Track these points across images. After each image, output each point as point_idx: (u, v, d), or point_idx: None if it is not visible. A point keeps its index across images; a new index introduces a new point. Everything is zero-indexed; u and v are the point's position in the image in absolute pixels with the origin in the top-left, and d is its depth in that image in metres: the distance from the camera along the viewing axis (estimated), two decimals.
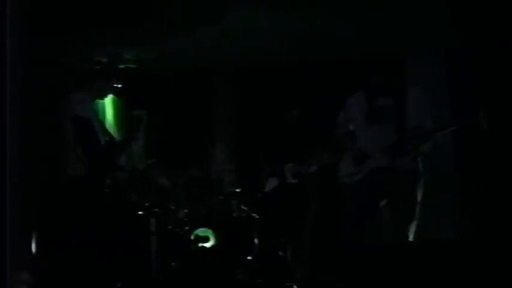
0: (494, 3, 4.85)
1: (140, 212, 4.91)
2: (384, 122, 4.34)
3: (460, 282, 3.05)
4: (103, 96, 4.82)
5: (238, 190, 5.48)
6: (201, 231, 5.14)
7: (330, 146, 4.87)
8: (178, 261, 5.00)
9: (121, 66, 5.91)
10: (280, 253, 5.24)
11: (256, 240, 5.12)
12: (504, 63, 5.45)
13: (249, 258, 5.07)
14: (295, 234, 5.33)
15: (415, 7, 5.09)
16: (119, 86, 4.94)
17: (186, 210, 5.35)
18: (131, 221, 4.75)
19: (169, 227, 5.16)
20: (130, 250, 4.55)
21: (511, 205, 5.38)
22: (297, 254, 5.24)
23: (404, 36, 5.79)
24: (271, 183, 5.46)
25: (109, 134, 4.75)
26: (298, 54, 6.18)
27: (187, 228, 5.16)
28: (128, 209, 4.78)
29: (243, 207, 5.37)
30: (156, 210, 5.06)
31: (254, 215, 5.32)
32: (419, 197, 4.29)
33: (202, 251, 5.08)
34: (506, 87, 5.43)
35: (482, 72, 5.65)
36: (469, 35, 5.49)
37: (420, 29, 5.57)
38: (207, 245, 5.11)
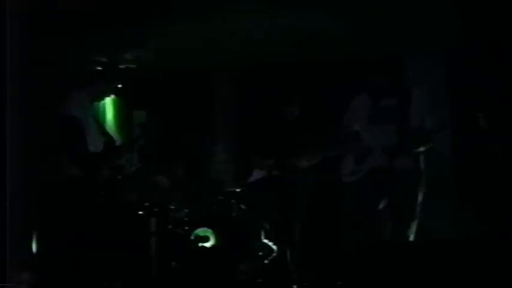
0: (494, 3, 4.86)
1: (140, 212, 4.90)
2: (384, 122, 4.35)
3: (459, 281, 3.05)
4: (103, 96, 4.82)
5: (238, 190, 5.47)
6: (201, 231, 5.14)
7: (332, 145, 4.87)
8: (178, 261, 4.99)
9: (121, 66, 5.90)
10: (281, 253, 5.24)
11: (256, 241, 5.13)
12: (504, 63, 5.45)
13: (248, 258, 5.07)
14: (295, 234, 5.34)
15: (417, 7, 5.09)
16: (119, 86, 4.94)
17: (186, 210, 5.35)
18: (131, 221, 4.75)
19: (169, 227, 5.16)
20: (131, 250, 4.55)
21: (510, 205, 5.38)
22: (298, 253, 5.23)
23: (406, 36, 5.79)
24: (272, 182, 5.46)
25: (109, 134, 4.75)
26: (300, 55, 6.20)
27: (187, 228, 5.16)
28: (128, 209, 4.78)
29: (243, 207, 5.37)
30: (156, 210, 5.05)
31: (254, 214, 5.32)
32: (419, 197, 4.30)
33: (202, 251, 5.07)
34: (506, 87, 5.43)
35: (483, 72, 5.66)
36: (470, 35, 5.49)
37: (422, 29, 5.57)
38: (207, 245, 5.11)
